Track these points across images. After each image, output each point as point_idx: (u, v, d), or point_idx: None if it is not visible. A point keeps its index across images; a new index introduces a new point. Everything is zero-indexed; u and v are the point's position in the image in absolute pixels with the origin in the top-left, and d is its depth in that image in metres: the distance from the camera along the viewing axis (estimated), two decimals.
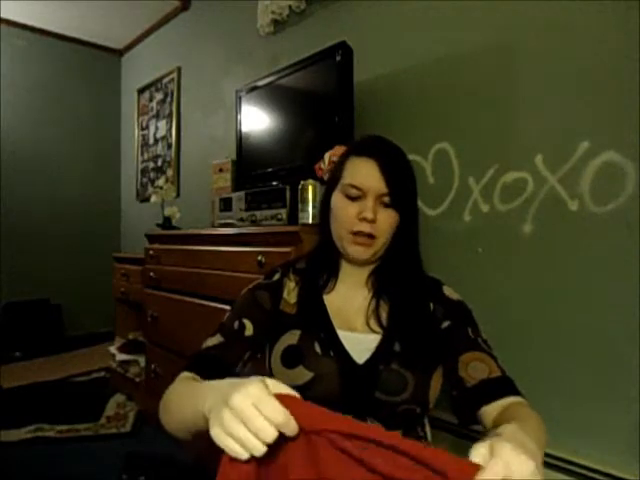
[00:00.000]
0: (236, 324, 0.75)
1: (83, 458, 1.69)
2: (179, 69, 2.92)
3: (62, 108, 3.36)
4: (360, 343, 0.71)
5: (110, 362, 2.49)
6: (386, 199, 0.71)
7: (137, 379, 2.22)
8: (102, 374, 2.65)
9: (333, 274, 0.79)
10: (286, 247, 1.31)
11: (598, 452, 1.10)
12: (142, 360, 2.20)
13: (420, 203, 1.49)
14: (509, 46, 1.29)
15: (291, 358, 0.71)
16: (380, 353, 0.70)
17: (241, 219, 1.70)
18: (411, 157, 1.51)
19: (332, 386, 0.68)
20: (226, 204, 1.81)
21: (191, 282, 1.75)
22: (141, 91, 3.37)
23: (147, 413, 2.04)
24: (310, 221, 1.37)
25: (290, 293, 0.78)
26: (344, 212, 0.73)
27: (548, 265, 1.20)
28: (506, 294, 1.29)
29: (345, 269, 0.79)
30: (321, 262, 0.80)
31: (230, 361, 0.73)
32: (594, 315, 1.12)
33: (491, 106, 1.33)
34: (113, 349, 2.50)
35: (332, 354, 0.70)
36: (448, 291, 0.78)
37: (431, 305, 0.75)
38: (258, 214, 1.62)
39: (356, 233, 0.72)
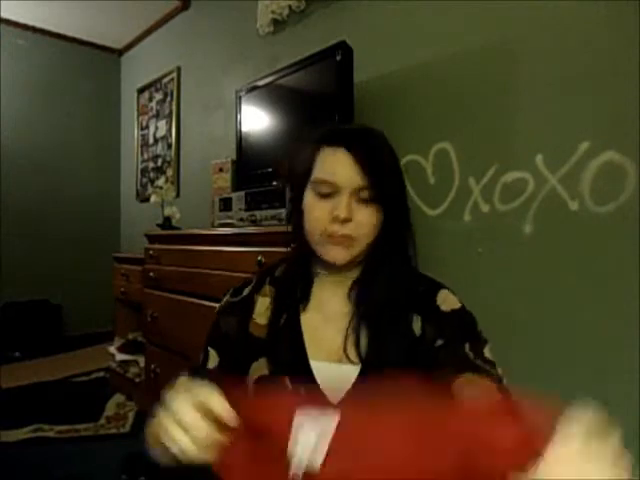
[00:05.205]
0: (201, 355, 0.71)
1: (83, 458, 1.69)
2: (179, 69, 2.92)
3: (62, 108, 3.35)
4: (336, 377, 0.62)
5: (110, 362, 2.48)
6: (365, 194, 0.60)
7: (137, 379, 2.21)
8: (102, 374, 2.65)
9: (310, 288, 0.69)
10: (286, 247, 1.31)
11: None
12: (142, 360, 2.20)
13: (420, 203, 1.49)
14: (509, 46, 1.29)
15: (263, 391, 0.63)
16: (356, 391, 0.60)
17: (241, 219, 1.70)
18: (411, 157, 1.51)
19: None
20: (226, 204, 1.81)
21: (191, 282, 1.75)
22: (141, 91, 3.36)
23: (147, 413, 2.04)
24: None
25: (261, 314, 0.69)
26: (315, 212, 0.62)
27: (548, 265, 1.20)
28: (506, 294, 1.28)
29: (324, 280, 0.69)
30: (297, 274, 0.70)
31: None
32: (594, 315, 1.12)
33: (491, 106, 1.33)
34: (113, 349, 2.50)
35: (303, 392, 0.61)
36: (443, 300, 0.65)
37: (419, 325, 0.64)
38: (258, 214, 1.62)
39: (329, 236, 0.61)
